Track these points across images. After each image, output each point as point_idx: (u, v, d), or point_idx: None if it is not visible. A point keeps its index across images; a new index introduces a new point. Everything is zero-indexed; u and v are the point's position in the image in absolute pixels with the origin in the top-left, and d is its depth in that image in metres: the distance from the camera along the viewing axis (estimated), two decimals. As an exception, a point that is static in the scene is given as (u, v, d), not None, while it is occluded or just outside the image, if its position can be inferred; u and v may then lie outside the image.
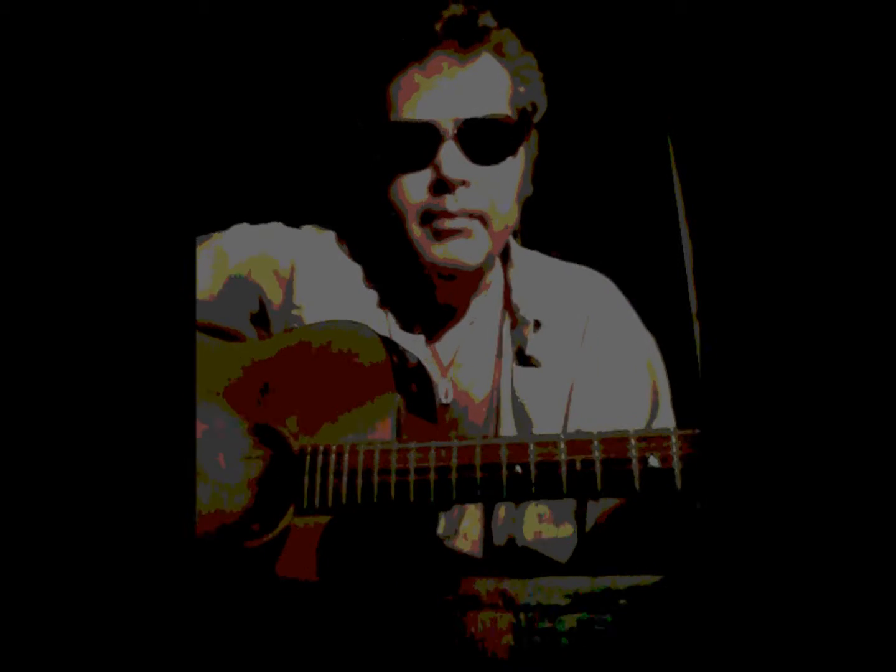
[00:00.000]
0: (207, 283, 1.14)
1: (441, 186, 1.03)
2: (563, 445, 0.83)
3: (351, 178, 1.22)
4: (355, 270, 1.17)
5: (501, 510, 1.08)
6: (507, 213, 1.08)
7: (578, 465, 0.82)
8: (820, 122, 0.63)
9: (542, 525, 1.09)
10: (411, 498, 0.86)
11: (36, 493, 0.64)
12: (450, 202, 1.03)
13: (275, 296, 1.14)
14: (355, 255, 1.18)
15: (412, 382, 1.05)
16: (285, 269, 1.15)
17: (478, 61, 1.07)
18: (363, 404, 0.94)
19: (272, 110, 1.86)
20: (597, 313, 1.17)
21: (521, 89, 1.10)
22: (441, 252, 1.05)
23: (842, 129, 0.63)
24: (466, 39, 1.06)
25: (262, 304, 1.14)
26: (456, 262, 1.06)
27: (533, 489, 0.83)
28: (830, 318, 0.61)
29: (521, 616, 0.72)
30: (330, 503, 0.89)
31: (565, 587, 0.73)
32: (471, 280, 1.13)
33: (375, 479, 0.88)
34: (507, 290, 1.17)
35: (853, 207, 0.62)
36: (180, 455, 0.68)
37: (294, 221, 1.23)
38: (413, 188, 1.05)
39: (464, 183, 1.03)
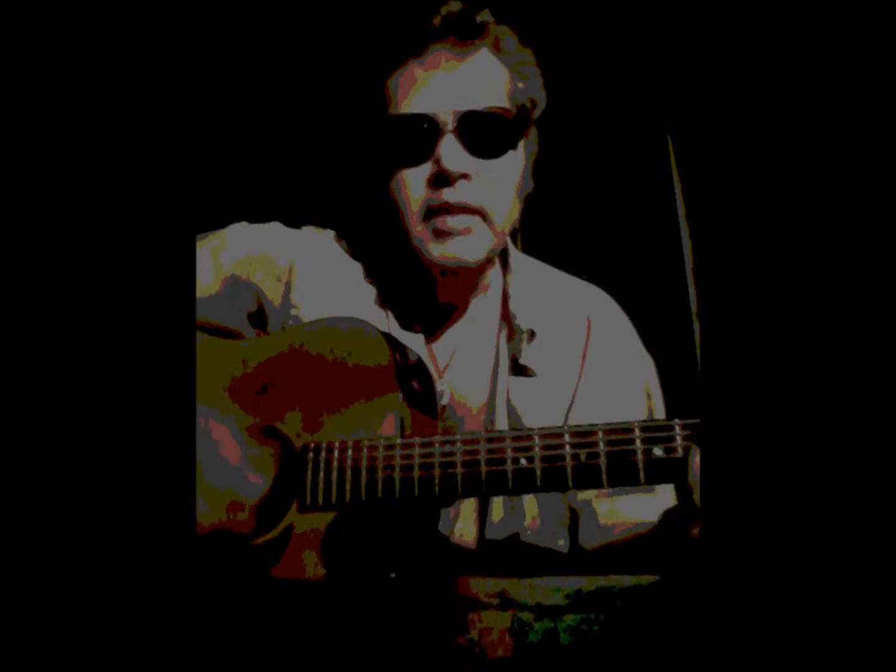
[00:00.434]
0: (206, 281, 1.14)
1: (441, 180, 1.03)
2: (567, 438, 0.84)
3: (350, 175, 1.22)
4: (354, 269, 1.17)
5: (499, 501, 1.08)
6: (507, 208, 1.08)
7: (583, 457, 0.82)
8: (820, 122, 0.63)
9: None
10: (416, 493, 0.86)
11: (36, 494, 0.64)
12: (449, 195, 1.03)
13: (273, 295, 1.14)
14: (355, 254, 1.18)
15: (413, 379, 1.05)
16: (284, 269, 1.15)
17: (476, 56, 1.07)
18: (366, 401, 0.94)
19: (271, 107, 1.86)
20: (597, 331, 1.16)
21: (520, 85, 1.10)
22: (441, 250, 1.05)
23: (842, 128, 0.62)
24: (465, 34, 1.06)
25: (261, 304, 1.14)
26: (457, 261, 1.05)
27: (538, 482, 0.83)
28: (830, 318, 0.61)
29: (521, 616, 0.72)
30: (333, 500, 0.89)
31: (565, 587, 0.73)
32: (470, 278, 1.13)
33: (379, 475, 0.88)
34: (505, 297, 1.16)
35: (853, 207, 0.62)
36: (180, 454, 0.67)
37: (293, 219, 1.23)
38: (413, 182, 1.05)
39: (464, 176, 1.03)
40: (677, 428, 0.81)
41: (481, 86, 1.06)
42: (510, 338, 1.14)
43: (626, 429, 0.82)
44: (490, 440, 0.86)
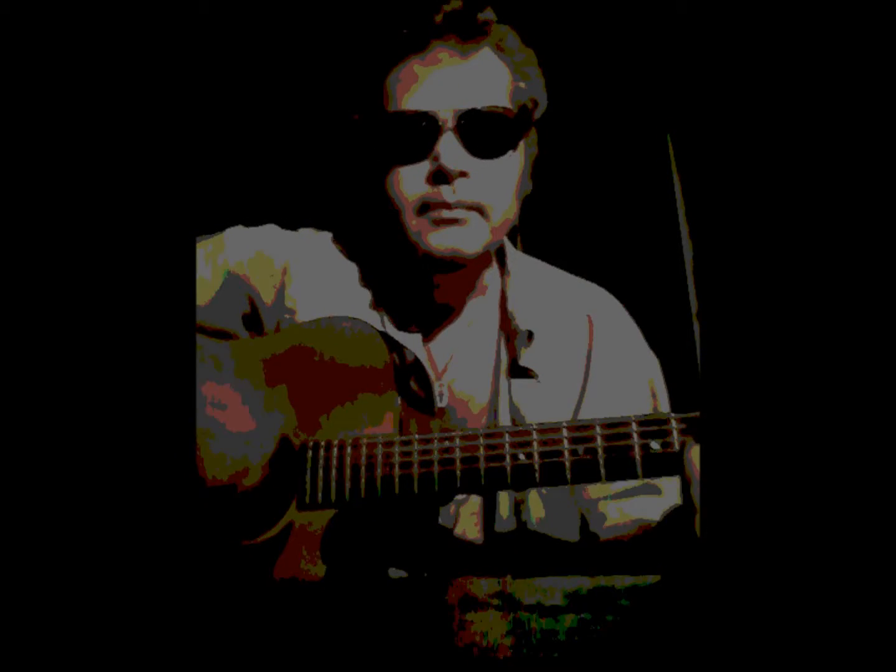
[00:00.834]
0: (203, 284, 1.14)
1: (440, 177, 1.02)
2: (565, 433, 0.84)
3: (347, 173, 1.21)
4: (350, 270, 1.17)
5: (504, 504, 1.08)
6: (505, 207, 1.07)
7: (581, 452, 0.83)
8: (820, 123, 0.63)
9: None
10: (415, 490, 0.87)
11: (36, 494, 0.64)
12: (448, 193, 1.02)
13: (268, 297, 1.14)
14: (351, 255, 1.18)
15: (411, 378, 1.06)
16: (278, 271, 1.15)
17: (478, 54, 1.06)
18: (364, 401, 0.95)
19: (270, 105, 1.86)
20: (600, 330, 1.16)
21: (522, 85, 1.10)
22: (438, 240, 1.04)
23: (842, 129, 0.63)
24: (467, 32, 1.06)
25: (255, 306, 1.14)
26: (454, 251, 1.04)
27: (537, 477, 0.84)
28: (830, 318, 0.61)
29: (521, 616, 0.72)
30: (333, 498, 0.90)
31: (565, 587, 0.73)
32: (467, 278, 1.13)
33: (378, 472, 0.88)
34: (504, 298, 1.16)
35: (853, 207, 0.62)
36: (180, 455, 0.67)
37: (290, 218, 1.23)
38: (411, 179, 1.04)
39: (462, 174, 1.02)
40: (673, 422, 0.82)
41: (482, 85, 1.06)
42: (509, 339, 1.13)
43: (623, 423, 0.83)
44: (488, 436, 0.87)
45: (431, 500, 0.94)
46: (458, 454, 0.87)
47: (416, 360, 1.05)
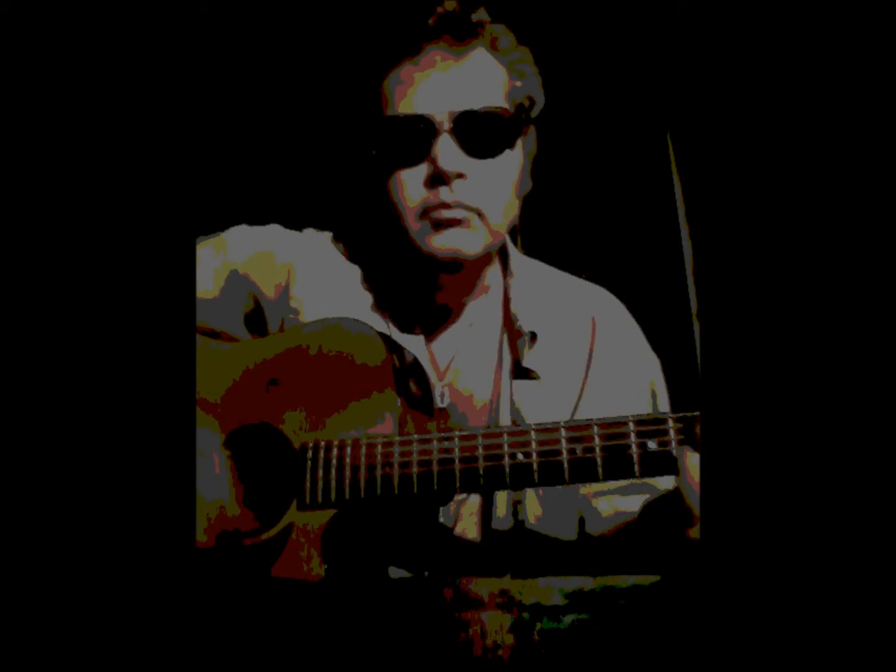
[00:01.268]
0: (205, 285, 1.14)
1: (438, 180, 1.03)
2: (563, 433, 0.85)
3: (347, 176, 1.22)
4: (353, 271, 1.17)
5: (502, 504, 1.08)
6: (505, 207, 1.08)
7: (579, 452, 0.84)
8: (820, 123, 0.63)
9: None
10: (415, 490, 0.87)
11: (36, 495, 0.64)
12: (446, 195, 1.03)
13: (271, 296, 1.14)
14: (353, 256, 1.18)
15: (410, 379, 1.05)
16: (282, 271, 1.15)
17: (472, 55, 1.07)
18: (364, 401, 0.95)
19: (268, 110, 1.86)
20: (602, 331, 1.16)
21: (518, 83, 1.10)
22: (440, 242, 1.04)
23: (842, 128, 0.62)
24: (460, 34, 1.06)
25: (259, 305, 1.14)
26: (455, 252, 1.05)
27: (535, 477, 0.85)
28: (831, 318, 0.61)
29: (521, 616, 0.72)
30: (332, 498, 0.90)
31: (565, 587, 0.73)
32: (469, 279, 1.13)
33: (378, 472, 0.89)
34: (506, 299, 1.16)
35: (853, 207, 0.62)
36: (180, 456, 0.67)
37: (292, 220, 1.23)
38: (410, 183, 1.05)
39: (460, 176, 1.03)
40: (670, 421, 0.82)
41: (478, 85, 1.06)
42: (512, 340, 1.13)
43: (621, 423, 0.84)
44: (487, 436, 0.87)
45: (431, 499, 0.94)
46: (456, 454, 0.87)
47: (417, 361, 1.05)
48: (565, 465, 0.84)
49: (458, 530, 1.07)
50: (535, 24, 1.18)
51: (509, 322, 1.14)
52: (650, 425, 0.83)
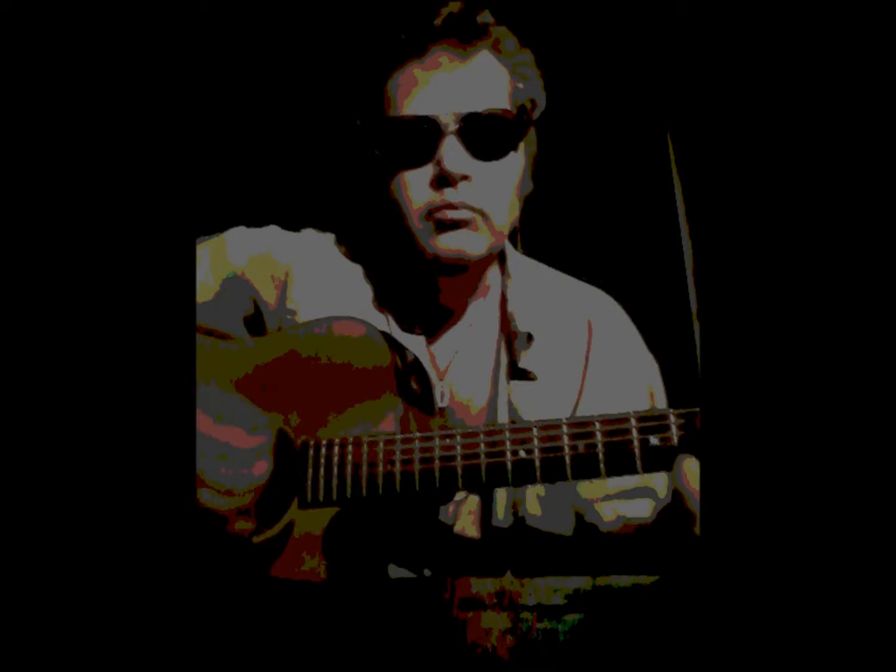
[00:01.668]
0: (204, 285, 1.14)
1: (443, 181, 1.03)
2: (565, 429, 0.85)
3: (351, 177, 1.22)
4: (354, 271, 1.17)
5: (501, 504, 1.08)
6: (508, 209, 1.08)
7: (581, 448, 0.84)
8: (820, 122, 0.63)
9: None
10: (416, 488, 0.87)
11: (35, 494, 0.64)
12: (451, 195, 1.03)
13: (270, 298, 1.14)
14: (354, 256, 1.18)
15: (412, 378, 1.06)
16: (281, 271, 1.15)
17: (477, 57, 1.07)
18: (365, 401, 0.95)
19: (271, 110, 1.86)
20: (599, 333, 1.16)
21: (520, 85, 1.10)
22: (444, 242, 1.05)
23: (842, 128, 0.63)
24: (466, 36, 1.06)
25: (257, 307, 1.14)
26: (460, 253, 1.05)
27: (538, 474, 0.85)
28: (831, 318, 0.61)
29: (521, 616, 0.72)
30: (334, 496, 0.90)
31: (565, 587, 0.73)
32: (470, 280, 1.13)
33: (379, 469, 0.89)
34: (504, 300, 1.16)
35: (853, 207, 0.62)
36: (180, 456, 0.68)
37: (294, 221, 1.23)
38: (415, 184, 1.05)
39: (465, 178, 1.03)
40: (672, 417, 0.83)
41: (482, 87, 1.06)
42: (510, 341, 1.14)
43: (623, 419, 0.84)
44: (489, 433, 0.88)
45: (433, 497, 0.94)
46: (458, 451, 0.87)
47: (418, 361, 1.05)
48: (567, 462, 0.84)
49: (456, 529, 1.07)
50: (535, 24, 1.18)
51: (506, 322, 1.14)
52: (652, 421, 0.83)
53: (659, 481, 1.03)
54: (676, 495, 0.82)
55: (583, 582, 0.74)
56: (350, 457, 0.90)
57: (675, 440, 0.82)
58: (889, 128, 0.61)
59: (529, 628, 0.72)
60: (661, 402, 1.16)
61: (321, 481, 0.91)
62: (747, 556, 0.60)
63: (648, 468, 0.83)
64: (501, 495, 1.07)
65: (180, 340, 0.69)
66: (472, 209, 1.04)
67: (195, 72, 0.72)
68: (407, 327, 1.13)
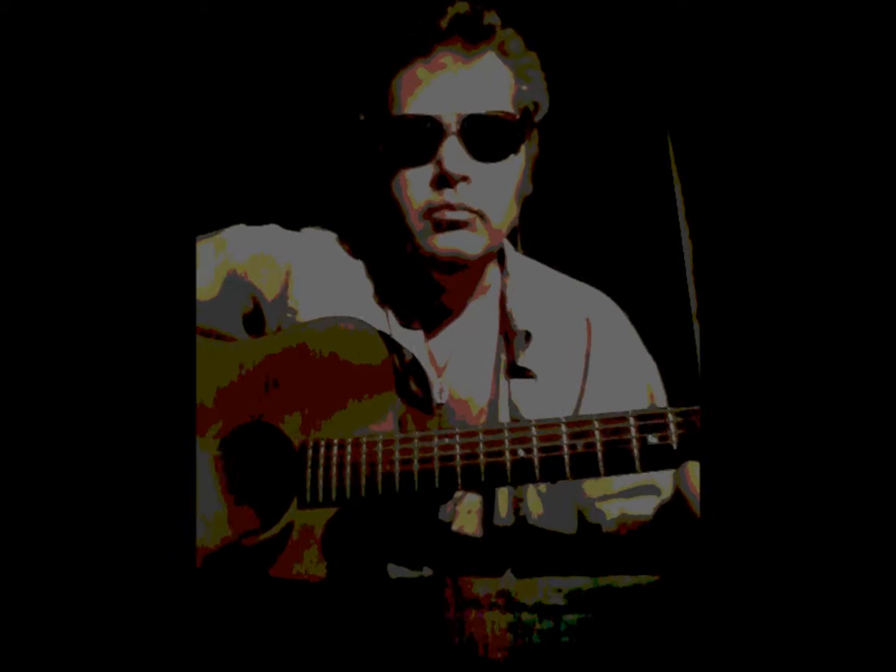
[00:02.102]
0: (204, 284, 1.14)
1: (443, 182, 1.04)
2: (564, 428, 0.85)
3: (352, 174, 1.22)
4: (354, 269, 1.17)
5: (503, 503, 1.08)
6: (506, 210, 1.08)
7: (580, 447, 0.84)
8: (820, 123, 0.63)
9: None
10: (416, 487, 0.87)
11: (35, 497, 0.64)
12: (450, 195, 1.04)
13: (271, 296, 1.14)
14: (354, 254, 1.19)
15: (410, 377, 1.06)
16: (281, 271, 1.15)
17: (482, 59, 1.07)
18: (364, 400, 0.95)
19: (273, 107, 1.86)
20: (598, 333, 1.17)
21: (524, 88, 1.10)
22: (442, 242, 1.05)
23: (842, 128, 0.63)
24: (472, 37, 1.06)
25: (257, 305, 1.15)
26: (456, 252, 1.06)
27: (537, 473, 0.85)
28: (831, 318, 0.61)
29: (521, 616, 0.72)
30: (333, 496, 0.90)
31: (565, 587, 0.73)
32: (469, 279, 1.13)
33: (379, 469, 0.89)
34: (503, 299, 1.17)
35: (853, 207, 0.62)
36: (180, 456, 0.67)
37: (295, 219, 1.23)
38: (415, 183, 1.05)
39: (465, 179, 1.04)
40: (670, 416, 0.83)
41: (486, 89, 1.06)
42: (508, 340, 1.14)
43: (621, 418, 0.84)
44: (488, 432, 0.88)
45: (432, 497, 0.94)
46: (457, 450, 0.87)
47: (416, 360, 1.05)
48: (566, 461, 0.84)
49: (455, 528, 1.07)
50: (535, 24, 1.18)
51: (505, 321, 1.15)
52: (650, 420, 0.83)
53: (663, 479, 1.03)
54: (680, 497, 0.82)
55: (583, 582, 0.74)
56: (349, 457, 0.90)
57: (674, 439, 0.82)
58: (889, 128, 0.61)
59: (529, 628, 0.72)
60: (661, 402, 1.16)
61: (320, 482, 0.90)
62: (747, 556, 0.60)
63: (647, 467, 0.83)
64: (503, 494, 1.07)
65: (180, 340, 0.69)
66: (471, 210, 1.04)
67: (195, 69, 0.72)
68: (406, 324, 1.13)
